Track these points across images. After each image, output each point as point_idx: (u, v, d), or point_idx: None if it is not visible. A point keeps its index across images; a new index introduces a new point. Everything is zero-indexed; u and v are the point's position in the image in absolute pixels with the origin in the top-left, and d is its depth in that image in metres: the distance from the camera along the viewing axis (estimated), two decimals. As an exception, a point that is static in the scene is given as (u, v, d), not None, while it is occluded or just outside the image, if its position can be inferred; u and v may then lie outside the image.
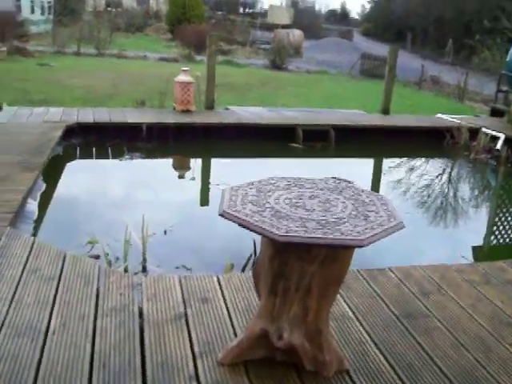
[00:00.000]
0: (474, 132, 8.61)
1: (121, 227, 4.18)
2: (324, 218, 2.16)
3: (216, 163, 7.54)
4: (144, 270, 3.86)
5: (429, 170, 8.08)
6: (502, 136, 8.26)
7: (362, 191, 2.50)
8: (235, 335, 2.59)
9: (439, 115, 9.65)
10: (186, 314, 2.75)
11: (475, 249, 5.15)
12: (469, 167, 8.27)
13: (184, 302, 2.88)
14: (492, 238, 5.71)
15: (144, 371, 2.31)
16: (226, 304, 2.88)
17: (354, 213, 2.24)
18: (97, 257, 3.90)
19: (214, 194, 5.73)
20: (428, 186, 7.17)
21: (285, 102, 11.43)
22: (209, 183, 6.45)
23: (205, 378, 2.30)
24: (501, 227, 5.92)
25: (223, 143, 7.68)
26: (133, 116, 7.80)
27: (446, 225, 5.87)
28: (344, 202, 2.34)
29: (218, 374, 2.33)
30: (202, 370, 2.34)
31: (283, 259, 2.23)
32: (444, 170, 8.19)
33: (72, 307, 2.75)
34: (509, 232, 5.79)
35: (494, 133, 8.43)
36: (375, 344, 2.64)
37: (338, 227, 2.08)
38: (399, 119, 9.05)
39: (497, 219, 6.22)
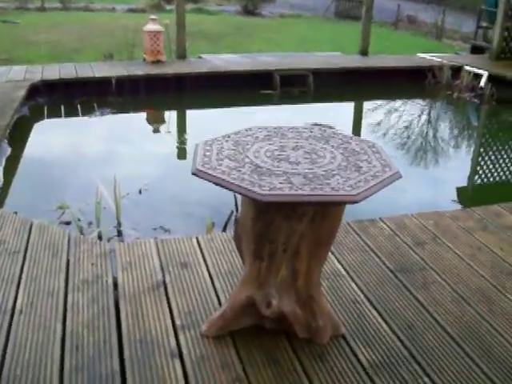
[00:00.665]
0: (456, 70, 8.33)
1: (93, 189, 3.90)
2: (311, 171, 1.91)
3: (191, 115, 7.20)
4: (119, 234, 3.62)
5: (411, 111, 7.84)
6: (485, 73, 8.00)
7: (351, 138, 2.25)
8: (219, 303, 2.38)
9: (420, 54, 9.33)
10: (164, 283, 2.53)
11: (460, 190, 4.99)
12: (452, 107, 8.05)
13: (162, 268, 2.65)
14: (476, 178, 5.55)
15: (121, 350, 2.10)
16: (207, 268, 2.66)
17: (344, 164, 1.99)
18: (68, 223, 3.64)
19: (191, 147, 5.44)
20: (410, 127, 6.95)
21: (259, 47, 10.99)
22: (184, 137, 6.14)
23: (188, 352, 2.09)
24: (484, 167, 5.75)
25: (197, 94, 7.32)
26: (101, 70, 7.38)
27: (430, 167, 5.69)
28: (332, 152, 2.09)
29: (203, 347, 2.12)
30: (185, 345, 2.13)
31: (267, 220, 2.00)
32: (426, 110, 7.96)
33: (40, 282, 2.50)
34: (493, 171, 5.62)
35: (476, 70, 8.16)
36: (371, 303, 2.45)
37: (328, 181, 1.84)
38: (379, 60, 8.72)
39: (480, 159, 6.04)
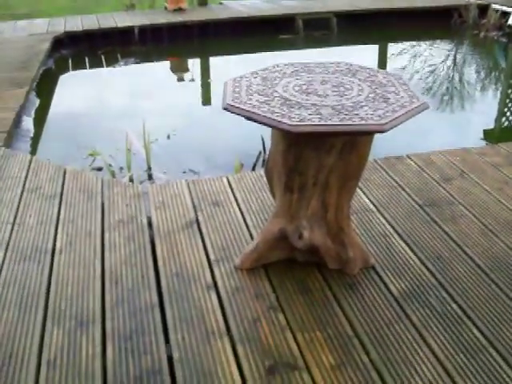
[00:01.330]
0: (483, 9, 8.08)
1: (122, 137, 3.98)
2: (339, 103, 1.93)
3: (214, 62, 7.16)
4: (150, 178, 3.70)
5: (436, 52, 7.65)
6: (514, 10, 7.74)
7: (378, 72, 2.24)
8: (251, 238, 2.45)
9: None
10: (197, 221, 2.61)
11: (486, 131, 4.92)
12: (478, 47, 7.83)
13: (194, 207, 2.72)
14: (503, 120, 5.45)
15: (159, 284, 2.19)
16: (238, 206, 2.72)
17: (371, 95, 2.00)
18: (99, 169, 3.73)
19: (216, 93, 5.45)
20: (436, 70, 6.80)
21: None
22: (209, 82, 6.13)
23: (223, 284, 2.18)
24: (512, 108, 5.65)
25: (220, 40, 7.27)
26: (123, 20, 7.36)
27: (457, 109, 5.60)
28: (360, 85, 2.09)
29: (237, 279, 2.20)
30: (220, 277, 2.21)
31: (297, 153, 2.03)
32: (452, 51, 7.76)
33: (77, 224, 2.60)
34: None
35: (504, 8, 7.89)
36: (400, 236, 2.49)
37: (356, 112, 1.86)
38: (403, 1, 8.47)
39: (508, 100, 5.91)
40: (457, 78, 6.72)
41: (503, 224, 2.60)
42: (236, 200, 2.78)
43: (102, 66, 6.58)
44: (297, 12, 7.50)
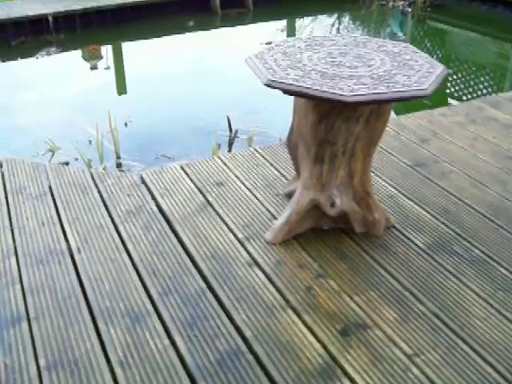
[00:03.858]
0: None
1: (73, 130, 3.81)
2: (372, 73, 2.01)
3: (134, 46, 6.95)
4: (118, 166, 3.58)
5: (346, 22, 7.99)
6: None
7: (384, 42, 2.35)
8: (270, 214, 2.49)
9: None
10: (209, 202, 2.59)
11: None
12: (384, 16, 8.24)
13: (200, 190, 2.70)
14: None
15: (198, 269, 2.18)
16: (243, 184, 2.74)
17: (395, 64, 2.10)
18: (66, 163, 3.56)
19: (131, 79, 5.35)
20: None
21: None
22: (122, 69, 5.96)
23: (263, 260, 2.21)
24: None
25: (136, 24, 7.06)
26: (35, 8, 6.89)
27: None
28: (378, 55, 2.18)
29: (275, 253, 2.25)
30: (257, 254, 2.24)
31: (329, 123, 2.09)
32: (357, 21, 8.11)
33: (84, 220, 2.49)
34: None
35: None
36: (404, 195, 2.65)
37: (395, 79, 1.95)
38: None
39: None
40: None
41: (487, 175, 2.83)
42: (238, 178, 2.79)
43: (17, 58, 6.17)
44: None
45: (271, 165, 2.92)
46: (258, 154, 3.03)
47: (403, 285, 2.09)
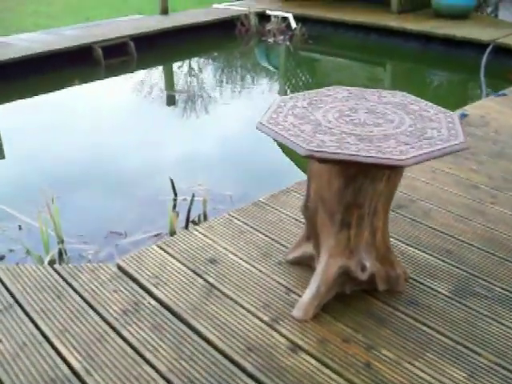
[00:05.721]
0: (263, 16, 8.66)
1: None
2: (402, 129, 1.95)
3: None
4: (60, 254, 3.16)
5: (229, 61, 8.07)
6: (290, 15, 8.47)
7: (377, 91, 2.31)
8: (284, 287, 2.31)
9: (215, 5, 9.44)
10: (212, 285, 2.35)
11: None
12: (266, 51, 8.41)
13: (194, 271, 2.44)
14: None
15: (240, 366, 1.94)
16: (238, 257, 2.53)
17: (412, 117, 2.07)
18: (1, 258, 3.07)
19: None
20: (232, 75, 7.19)
21: (32, 23, 9.89)
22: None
23: (304, 342, 2.03)
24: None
25: (12, 83, 6.46)
26: None
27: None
28: (388, 108, 2.13)
29: (312, 332, 2.08)
30: (294, 336, 2.05)
31: (357, 186, 2.00)
32: (240, 58, 8.23)
33: (76, 333, 2.11)
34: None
35: (279, 13, 8.59)
36: (402, 242, 2.63)
37: (428, 135, 1.90)
38: (187, 17, 8.58)
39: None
40: (241, 83, 7.17)
41: (463, 207, 2.92)
42: (229, 251, 2.58)
43: None
44: (93, 40, 7.04)
45: (256, 230, 2.74)
46: (235, 220, 2.83)
47: (452, 339, 2.03)
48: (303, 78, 7.42)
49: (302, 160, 4.45)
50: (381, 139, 1.85)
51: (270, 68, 8.00)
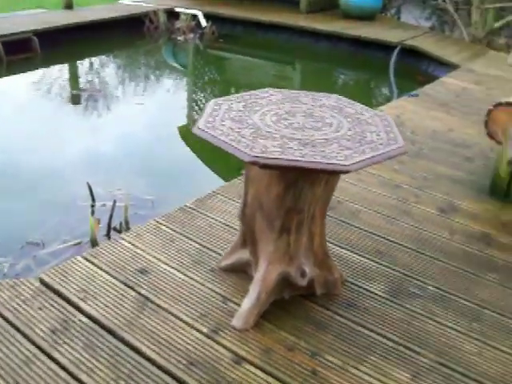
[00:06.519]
0: (172, 14, 8.49)
1: None
2: (342, 133, 1.93)
3: None
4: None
5: (137, 59, 7.85)
6: (199, 13, 8.36)
7: (311, 94, 2.29)
8: (220, 295, 2.24)
9: (124, 1, 9.13)
10: (144, 296, 2.23)
11: (180, 128, 5.37)
12: (175, 50, 8.25)
13: (125, 283, 2.30)
14: (194, 113, 5.98)
15: (183, 383, 1.85)
16: (169, 265, 2.42)
17: (349, 120, 2.07)
18: None
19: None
20: (139, 74, 7.07)
21: None
22: None
23: (247, 353, 1.96)
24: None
25: None
26: None
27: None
28: (323, 111, 2.11)
29: (254, 341, 2.01)
30: (236, 347, 1.98)
31: (297, 191, 1.96)
32: (147, 57, 8.03)
33: (2, 359, 1.93)
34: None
35: (188, 11, 8.45)
36: (333, 243, 2.63)
37: (368, 139, 1.90)
38: (92, 13, 8.22)
39: (194, 95, 6.63)
40: (149, 83, 7.02)
41: (390, 208, 2.99)
42: (159, 260, 2.46)
43: None
44: (-9, 35, 6.55)
45: (185, 237, 2.64)
46: (163, 227, 2.72)
47: (393, 340, 2.06)
48: (211, 77, 7.36)
49: (217, 161, 4.42)
50: (323, 143, 1.83)
51: (177, 66, 7.85)
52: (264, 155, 1.71)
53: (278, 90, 2.31)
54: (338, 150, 1.79)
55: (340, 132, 1.94)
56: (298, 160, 1.69)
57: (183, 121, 5.85)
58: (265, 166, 1.72)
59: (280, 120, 1.99)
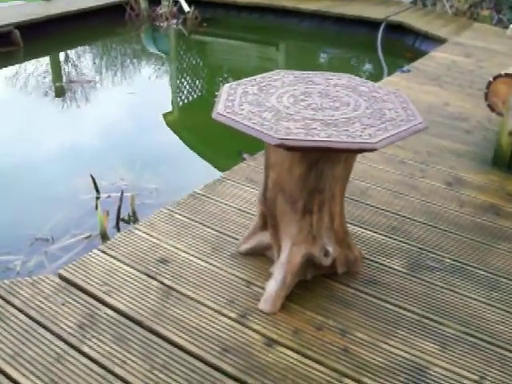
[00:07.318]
0: (153, 0, 8.37)
1: None
2: (361, 112, 1.94)
3: None
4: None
5: (118, 48, 7.75)
6: (180, -3, 8.27)
7: (321, 73, 2.30)
8: (244, 280, 2.25)
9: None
10: (168, 286, 2.23)
11: (165, 115, 5.36)
12: (159, 36, 8.15)
13: (146, 274, 2.30)
14: (178, 100, 6.01)
15: (220, 369, 1.86)
16: (189, 253, 2.42)
17: (365, 99, 2.07)
18: None
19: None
20: (121, 62, 7.02)
21: None
22: None
23: (279, 335, 1.98)
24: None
25: None
26: None
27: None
28: (339, 91, 2.12)
29: (284, 324, 2.04)
30: (267, 330, 2.00)
31: (318, 171, 1.97)
32: (131, 45, 7.93)
33: (29, 354, 1.91)
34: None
35: (169, -4, 8.35)
36: (347, 222, 2.64)
37: (388, 116, 1.91)
38: (72, 2, 8.07)
39: (178, 81, 6.58)
40: (132, 69, 6.96)
41: (397, 184, 3.02)
42: (177, 248, 2.47)
43: None
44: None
45: (200, 223, 2.64)
46: (176, 215, 2.71)
47: (417, 313, 2.10)
48: (194, 62, 7.30)
49: (210, 146, 4.40)
50: (345, 123, 1.84)
51: (158, 53, 7.75)
52: (290, 137, 1.71)
53: (289, 71, 2.31)
54: (361, 129, 1.80)
55: (359, 111, 1.95)
56: (324, 141, 1.70)
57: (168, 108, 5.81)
58: (291, 148, 1.72)
59: (297, 101, 1.99)
